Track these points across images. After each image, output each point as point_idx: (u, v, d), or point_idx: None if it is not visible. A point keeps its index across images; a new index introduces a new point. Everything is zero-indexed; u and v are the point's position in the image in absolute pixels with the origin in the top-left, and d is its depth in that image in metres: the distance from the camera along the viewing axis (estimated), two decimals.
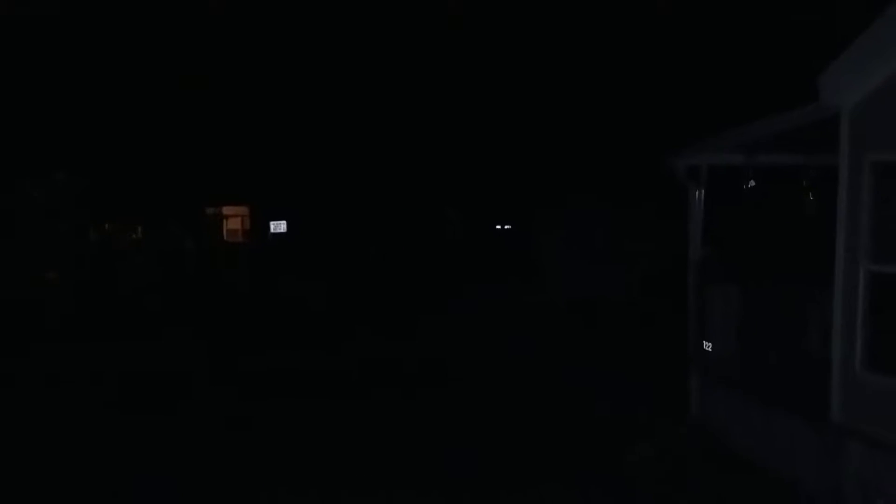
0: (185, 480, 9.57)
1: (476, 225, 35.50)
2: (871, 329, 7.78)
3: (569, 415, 12.20)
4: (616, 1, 29.27)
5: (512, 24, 31.40)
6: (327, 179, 37.74)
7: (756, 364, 10.07)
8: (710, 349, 11.01)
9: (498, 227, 34.39)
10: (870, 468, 7.67)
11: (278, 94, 35.40)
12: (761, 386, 9.75)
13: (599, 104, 30.05)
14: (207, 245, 41.61)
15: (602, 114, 29.88)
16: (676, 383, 11.84)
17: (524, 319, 21.73)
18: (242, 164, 37.91)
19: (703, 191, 11.37)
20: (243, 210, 43.70)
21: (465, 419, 12.09)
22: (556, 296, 24.85)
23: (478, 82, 32.45)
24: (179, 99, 35.47)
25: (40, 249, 31.69)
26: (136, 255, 39.30)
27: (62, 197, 35.04)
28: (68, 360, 16.88)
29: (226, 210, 43.90)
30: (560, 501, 8.85)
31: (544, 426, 11.71)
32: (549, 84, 31.17)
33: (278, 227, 42.46)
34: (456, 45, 32.18)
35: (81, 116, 34.33)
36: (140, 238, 44.41)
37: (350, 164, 36.56)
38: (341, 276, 30.76)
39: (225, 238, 43.91)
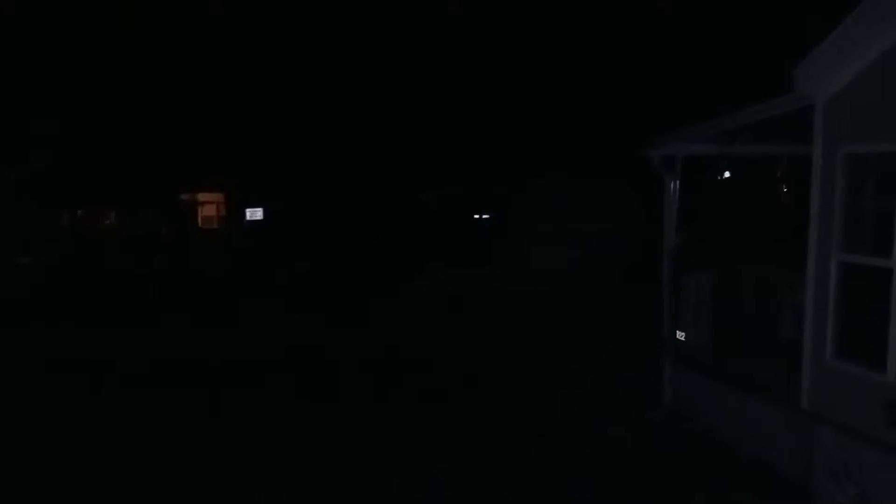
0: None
1: (454, 211, 35.51)
2: (842, 318, 7.92)
3: (546, 400, 12.29)
4: None
5: (484, 10, 31.43)
6: (305, 166, 37.56)
7: (729, 351, 10.20)
8: (683, 337, 11.14)
9: (476, 216, 34.43)
10: (839, 453, 7.83)
11: (254, 81, 35.16)
12: (734, 372, 9.89)
13: (571, 86, 30.20)
14: (182, 231, 41.37)
15: (576, 97, 30.01)
16: (652, 369, 11.98)
17: (497, 305, 21.80)
18: (218, 150, 37.62)
19: (678, 181, 11.46)
20: (219, 197, 43.34)
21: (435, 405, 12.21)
22: (530, 281, 24.95)
23: (453, 70, 32.42)
24: (155, 85, 35.15)
25: (12, 234, 31.45)
26: (109, 241, 39.08)
27: (37, 181, 34.68)
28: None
29: (201, 196, 43.53)
30: (535, 483, 8.96)
31: (518, 410, 11.80)
32: (522, 70, 31.22)
33: (254, 214, 42.18)
34: (431, 33, 32.15)
35: (57, 101, 33.94)
36: (114, 224, 44.05)
37: (327, 150, 36.42)
38: (315, 262, 30.78)
39: (200, 225, 43.56)
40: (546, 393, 12.73)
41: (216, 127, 36.51)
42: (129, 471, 9.50)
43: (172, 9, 32.93)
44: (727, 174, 11.61)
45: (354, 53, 33.69)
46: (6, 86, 30.15)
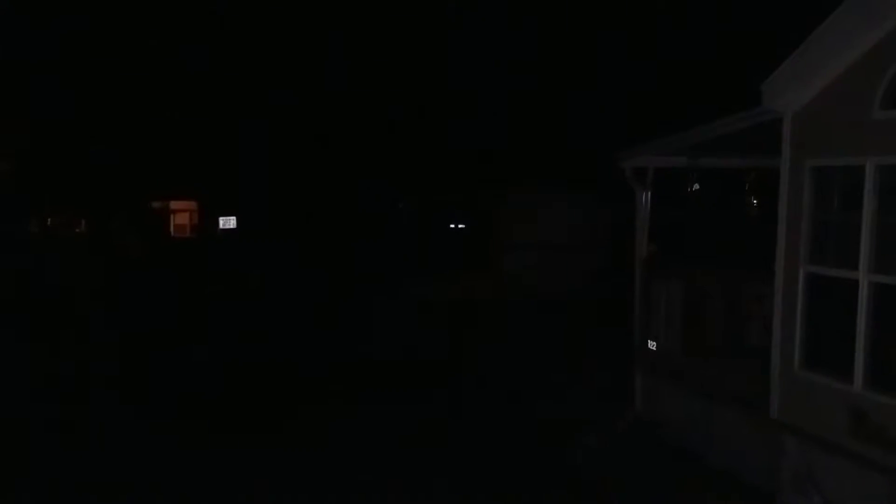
0: None
1: (428, 220, 35.54)
2: (810, 328, 8.01)
3: (517, 410, 12.31)
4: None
5: (460, 20, 31.62)
6: (279, 175, 37.42)
7: (699, 360, 10.29)
8: (654, 346, 11.21)
9: (452, 225, 34.47)
10: (805, 463, 7.91)
11: (228, 88, 35.03)
12: (704, 382, 9.96)
13: (547, 97, 30.42)
14: (153, 240, 40.97)
15: (552, 107, 30.22)
16: (623, 378, 12.04)
17: (468, 314, 21.80)
18: (190, 157, 37.36)
19: (649, 192, 11.55)
20: (191, 205, 43.04)
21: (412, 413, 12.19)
22: (504, 290, 24.96)
23: (429, 80, 32.54)
24: (126, 90, 34.92)
25: None
26: (76, 249, 38.58)
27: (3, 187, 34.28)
28: None
29: (173, 204, 43.19)
30: (510, 493, 8.97)
31: (492, 420, 11.82)
32: (499, 82, 31.41)
33: (227, 222, 41.91)
34: (408, 42, 32.24)
35: (26, 105, 33.61)
36: (84, 232, 43.61)
37: (303, 160, 36.33)
38: (284, 272, 30.57)
39: (172, 233, 43.20)
40: (518, 402, 12.76)
41: (190, 134, 36.31)
42: None
43: (149, 16, 32.77)
44: (697, 186, 11.74)
45: (330, 64, 33.68)
46: None
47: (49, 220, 43.00)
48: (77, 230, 43.82)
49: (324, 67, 33.80)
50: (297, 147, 36.00)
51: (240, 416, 12.20)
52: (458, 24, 31.41)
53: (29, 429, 11.45)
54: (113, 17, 32.52)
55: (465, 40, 31.36)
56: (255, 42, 33.71)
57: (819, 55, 7.68)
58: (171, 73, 34.59)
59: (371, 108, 33.89)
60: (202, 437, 11.02)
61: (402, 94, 33.41)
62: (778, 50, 8.16)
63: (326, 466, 9.88)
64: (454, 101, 32.02)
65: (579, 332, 18.07)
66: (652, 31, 27.64)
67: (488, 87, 31.38)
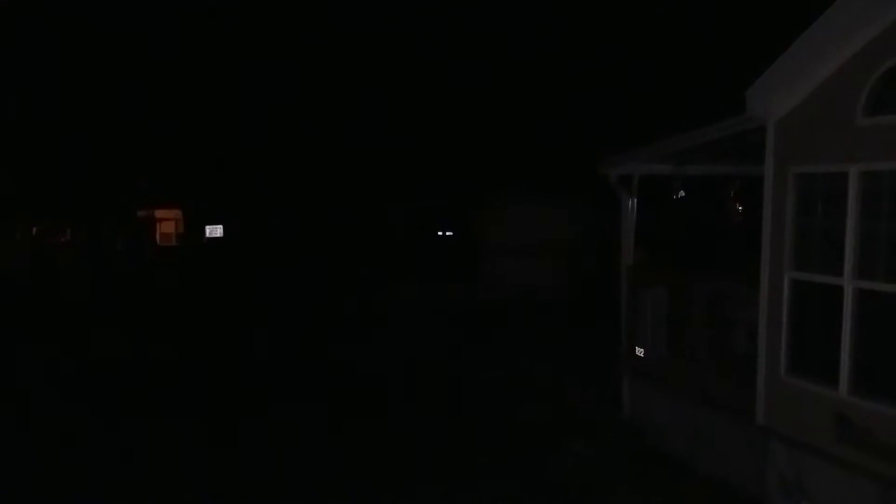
0: None
1: (417, 227, 35.56)
2: (795, 334, 8.06)
3: (507, 414, 12.31)
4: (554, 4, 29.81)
5: (451, 26, 31.70)
6: (266, 182, 37.36)
7: (686, 367, 10.32)
8: (641, 352, 11.25)
9: (440, 232, 34.54)
10: (792, 468, 7.95)
11: (214, 93, 34.98)
12: (691, 388, 10.00)
13: (534, 103, 30.52)
14: (138, 248, 40.82)
15: (538, 113, 30.31)
16: (611, 384, 12.07)
17: (455, 318, 21.79)
18: (176, 165, 37.25)
19: (635, 199, 11.60)
20: (177, 213, 42.89)
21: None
22: (490, 294, 24.98)
23: (417, 86, 32.58)
24: (109, 99, 34.82)
25: None
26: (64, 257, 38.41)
27: None
28: None
29: (159, 213, 43.02)
30: (499, 498, 8.99)
31: (480, 423, 11.82)
32: (486, 90, 31.49)
33: (214, 231, 41.77)
34: (394, 49, 32.29)
35: (9, 116, 33.46)
36: (69, 240, 43.41)
37: (290, 166, 36.29)
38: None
39: (158, 242, 43.02)
40: (507, 405, 12.77)
41: (175, 140, 36.21)
42: None
43: (133, 25, 32.71)
44: (682, 193, 11.80)
45: (316, 70, 33.68)
46: None
47: (34, 230, 42.81)
48: (63, 239, 43.63)
49: (314, 73, 33.79)
50: (285, 155, 35.95)
51: None
52: (452, 25, 31.47)
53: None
54: (104, 25, 32.46)
55: (458, 41, 31.42)
56: (242, 49, 33.69)
57: (802, 62, 7.73)
58: (157, 79, 34.54)
59: (360, 114, 33.90)
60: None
61: (390, 98, 33.45)
62: (765, 55, 8.21)
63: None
64: (444, 106, 32.05)
65: (567, 337, 18.10)
66: (649, 32, 27.74)
67: (481, 91, 31.43)
